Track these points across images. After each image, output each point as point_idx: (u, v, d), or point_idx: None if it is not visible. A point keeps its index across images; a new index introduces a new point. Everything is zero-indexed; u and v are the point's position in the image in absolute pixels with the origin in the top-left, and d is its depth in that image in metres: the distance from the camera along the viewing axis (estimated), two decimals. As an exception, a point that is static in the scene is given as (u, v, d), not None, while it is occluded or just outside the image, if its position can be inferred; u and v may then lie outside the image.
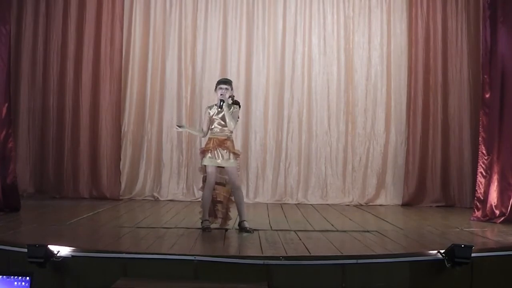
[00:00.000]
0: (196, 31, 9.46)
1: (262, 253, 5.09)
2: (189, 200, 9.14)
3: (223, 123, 6.19)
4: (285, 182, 9.32)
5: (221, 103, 6.13)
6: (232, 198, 6.34)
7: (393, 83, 9.42)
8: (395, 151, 9.39)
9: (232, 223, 6.74)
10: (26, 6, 9.28)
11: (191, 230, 6.27)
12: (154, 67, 9.44)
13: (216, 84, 6.36)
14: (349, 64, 9.45)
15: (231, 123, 6.17)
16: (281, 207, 8.66)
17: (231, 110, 6.18)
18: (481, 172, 7.38)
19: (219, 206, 6.39)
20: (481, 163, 7.39)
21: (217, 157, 6.15)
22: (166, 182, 9.33)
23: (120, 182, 9.20)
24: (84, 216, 7.19)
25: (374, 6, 9.47)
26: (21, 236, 5.82)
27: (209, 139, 6.27)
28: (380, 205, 9.17)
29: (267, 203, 9.03)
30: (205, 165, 6.21)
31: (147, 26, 9.45)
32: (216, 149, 6.14)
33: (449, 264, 4.77)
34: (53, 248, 4.71)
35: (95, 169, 9.14)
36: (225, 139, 6.20)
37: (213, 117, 6.25)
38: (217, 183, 6.29)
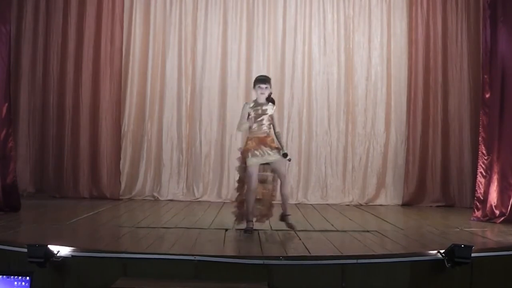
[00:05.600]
0: (196, 31, 9.46)
1: (262, 253, 5.09)
2: (189, 200, 9.14)
3: (261, 122, 6.12)
4: (285, 182, 9.30)
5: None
6: (274, 194, 6.29)
7: (393, 83, 9.42)
8: (395, 151, 9.39)
9: (232, 223, 6.75)
10: (26, 6, 9.27)
11: (191, 230, 6.27)
12: (154, 67, 9.44)
13: (254, 82, 6.26)
14: (349, 64, 9.45)
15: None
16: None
17: (271, 113, 6.17)
18: (481, 172, 7.38)
19: (258, 204, 6.27)
20: (481, 163, 7.39)
21: (261, 155, 6.05)
22: (166, 182, 9.32)
23: (120, 182, 9.20)
24: (84, 215, 7.19)
25: (374, 6, 9.47)
26: (21, 235, 5.83)
27: (249, 138, 6.18)
28: (380, 205, 9.17)
29: (267, 203, 9.02)
30: (245, 166, 6.10)
31: (147, 25, 9.45)
32: (260, 147, 6.05)
33: (449, 264, 4.76)
34: (53, 248, 4.70)
35: (95, 169, 9.14)
36: (265, 136, 6.13)
37: (252, 114, 6.13)
38: (260, 181, 6.22)
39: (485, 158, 7.33)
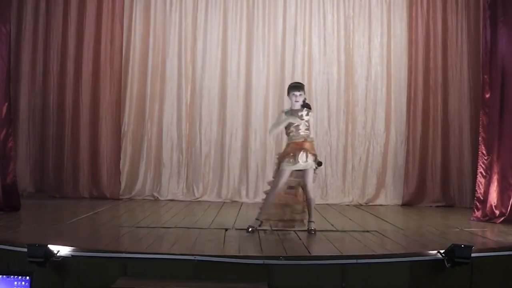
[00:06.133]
0: (196, 31, 9.45)
1: (262, 253, 5.09)
2: (189, 199, 9.14)
3: (298, 128, 6.14)
4: (285, 181, 9.28)
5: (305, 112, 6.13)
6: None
7: (393, 83, 9.42)
8: (395, 151, 9.38)
9: (232, 223, 6.76)
10: (26, 6, 9.28)
11: (191, 229, 6.27)
12: (154, 67, 9.44)
13: (288, 89, 6.30)
14: (349, 64, 9.45)
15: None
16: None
17: (307, 119, 6.14)
18: (481, 172, 7.37)
19: (286, 210, 6.30)
20: (481, 163, 7.38)
21: (295, 162, 6.09)
22: (166, 181, 9.32)
23: (120, 182, 9.20)
24: (84, 215, 7.19)
25: (374, 6, 9.46)
26: (21, 235, 5.82)
27: (287, 144, 6.23)
28: (380, 205, 9.17)
29: (267, 203, 9.02)
30: (281, 169, 6.13)
31: (147, 25, 9.44)
32: (295, 153, 6.08)
33: (449, 264, 4.77)
34: (53, 247, 4.70)
35: (95, 169, 9.13)
36: (303, 141, 6.13)
37: (290, 122, 6.17)
38: (289, 187, 6.25)
39: (485, 158, 7.33)
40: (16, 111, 8.94)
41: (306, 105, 6.26)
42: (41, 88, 9.29)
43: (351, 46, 9.46)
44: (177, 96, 9.41)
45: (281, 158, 6.18)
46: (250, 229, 6.09)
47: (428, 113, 9.19)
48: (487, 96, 7.36)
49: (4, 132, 7.24)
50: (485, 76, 7.42)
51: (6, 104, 7.29)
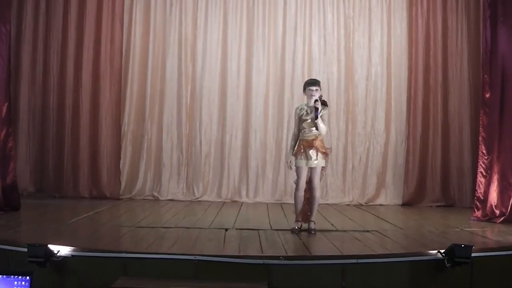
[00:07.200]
0: (196, 30, 9.46)
1: (262, 252, 5.09)
2: (189, 199, 9.14)
3: (312, 124, 6.17)
4: (285, 181, 9.27)
5: (317, 112, 6.07)
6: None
7: (393, 83, 9.42)
8: (395, 150, 9.38)
9: (232, 223, 6.76)
10: (26, 5, 9.29)
11: (191, 229, 6.27)
12: (154, 66, 9.44)
13: (304, 85, 6.38)
14: (349, 63, 9.45)
15: (323, 129, 6.17)
16: (281, 206, 8.65)
17: (321, 114, 6.12)
18: (481, 172, 7.38)
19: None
20: (481, 163, 7.39)
21: (306, 159, 6.16)
22: (166, 181, 9.32)
23: (120, 182, 9.21)
24: (84, 215, 7.19)
25: (374, 6, 9.46)
26: (21, 235, 5.83)
27: (299, 141, 6.27)
28: (380, 204, 9.17)
29: (267, 203, 9.03)
30: (297, 167, 6.24)
31: (147, 25, 9.44)
32: (306, 151, 6.16)
33: (449, 264, 4.77)
34: (53, 247, 4.71)
35: (95, 169, 9.14)
36: (313, 139, 6.17)
37: (303, 118, 6.24)
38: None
39: (485, 158, 7.33)
40: (16, 111, 8.95)
41: (322, 102, 6.29)
42: (41, 88, 9.30)
43: (351, 45, 9.46)
44: (177, 96, 9.41)
45: (295, 155, 6.26)
46: (293, 231, 6.15)
47: (428, 112, 9.20)
48: (487, 95, 7.36)
49: (4, 131, 7.25)
50: (485, 76, 7.43)
51: (6, 104, 7.30)
